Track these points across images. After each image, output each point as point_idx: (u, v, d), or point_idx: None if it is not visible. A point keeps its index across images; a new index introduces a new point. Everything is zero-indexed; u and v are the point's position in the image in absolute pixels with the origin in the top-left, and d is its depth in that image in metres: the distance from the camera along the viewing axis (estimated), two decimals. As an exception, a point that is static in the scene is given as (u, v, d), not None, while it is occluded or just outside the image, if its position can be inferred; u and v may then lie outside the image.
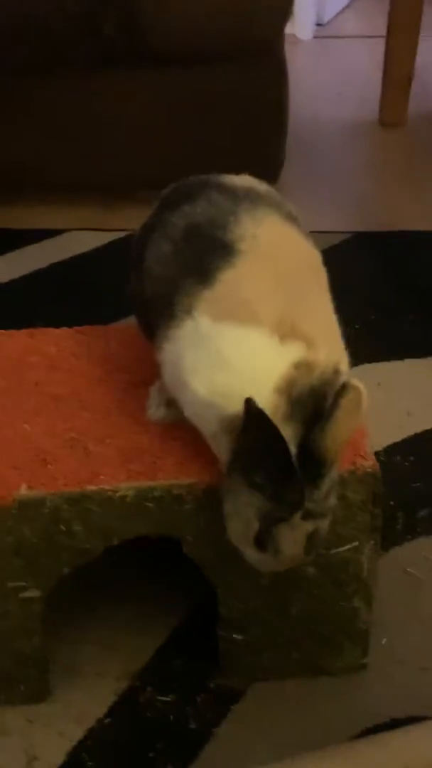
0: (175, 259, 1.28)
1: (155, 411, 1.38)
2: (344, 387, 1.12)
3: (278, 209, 1.33)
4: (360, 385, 1.12)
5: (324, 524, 1.18)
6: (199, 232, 1.28)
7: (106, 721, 1.37)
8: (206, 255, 1.25)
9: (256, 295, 1.21)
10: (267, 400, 1.14)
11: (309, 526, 1.15)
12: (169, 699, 1.40)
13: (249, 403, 1.11)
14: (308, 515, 1.14)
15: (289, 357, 1.17)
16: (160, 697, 1.40)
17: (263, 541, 1.15)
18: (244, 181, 1.37)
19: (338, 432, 1.12)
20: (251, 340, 1.18)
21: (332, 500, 1.18)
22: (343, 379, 1.20)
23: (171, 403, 1.36)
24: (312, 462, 1.13)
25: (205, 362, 1.20)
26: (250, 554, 1.18)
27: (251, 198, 1.32)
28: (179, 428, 1.36)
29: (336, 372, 1.18)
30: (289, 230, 1.32)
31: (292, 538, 1.15)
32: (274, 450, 1.11)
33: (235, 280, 1.22)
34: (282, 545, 1.15)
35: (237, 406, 1.13)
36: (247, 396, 1.11)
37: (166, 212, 1.33)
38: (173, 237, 1.30)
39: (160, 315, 1.28)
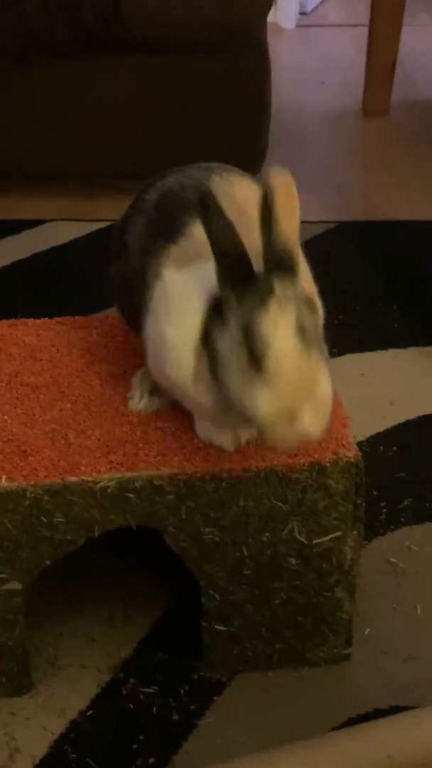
0: (148, 228, 1.29)
1: (138, 401, 1.37)
2: (271, 187, 1.10)
3: (252, 178, 1.33)
4: (280, 173, 1.10)
5: (309, 321, 1.11)
6: (169, 198, 1.29)
7: (89, 713, 1.37)
8: (175, 216, 1.25)
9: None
10: None
11: (290, 312, 1.10)
12: (152, 691, 1.39)
13: (202, 189, 1.09)
14: (283, 299, 1.10)
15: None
16: (143, 689, 1.40)
17: (256, 352, 1.09)
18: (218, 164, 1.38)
19: (285, 223, 1.10)
20: (197, 275, 1.18)
21: (304, 295, 1.14)
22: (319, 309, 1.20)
23: (154, 393, 1.36)
24: (273, 258, 1.11)
25: (176, 306, 1.19)
26: (257, 398, 1.09)
27: (225, 168, 1.33)
28: (161, 419, 1.35)
29: (309, 300, 1.15)
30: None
31: (281, 333, 1.09)
32: (225, 235, 1.09)
33: (201, 232, 1.19)
34: (275, 344, 1.08)
35: None
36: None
37: (141, 195, 1.35)
38: (147, 210, 1.31)
39: (140, 292, 1.27)
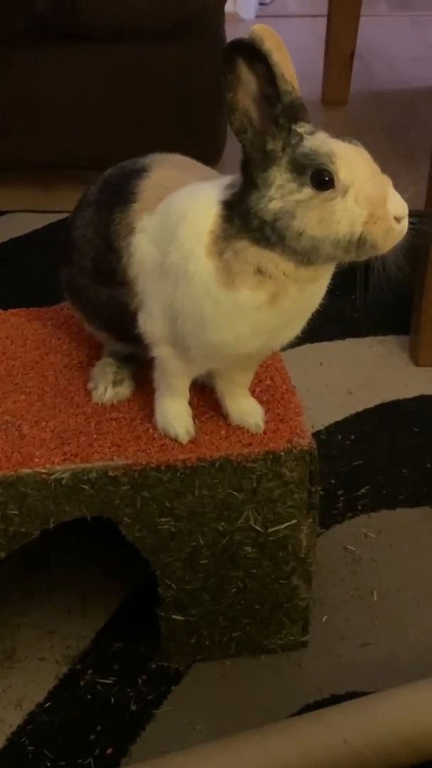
0: (98, 211, 1.28)
1: (103, 393, 1.36)
2: (256, 37, 1.08)
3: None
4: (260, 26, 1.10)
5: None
6: (111, 179, 1.30)
7: (47, 705, 1.36)
8: (122, 186, 1.26)
9: (175, 183, 1.21)
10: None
11: (327, 134, 1.12)
12: (109, 681, 1.39)
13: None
14: (317, 129, 1.12)
15: (223, 180, 1.18)
16: (100, 680, 1.39)
17: (323, 169, 1.08)
18: None
19: (285, 68, 1.10)
20: (184, 191, 1.19)
21: None
22: None
23: (117, 383, 1.36)
24: (289, 105, 1.10)
25: (168, 235, 1.18)
26: (348, 209, 1.09)
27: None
28: (115, 409, 1.35)
29: None
30: (199, 164, 1.32)
31: (335, 143, 1.10)
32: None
33: (154, 183, 1.23)
34: (338, 150, 1.09)
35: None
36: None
37: (82, 198, 1.35)
38: (90, 201, 1.31)
39: (110, 274, 1.26)
